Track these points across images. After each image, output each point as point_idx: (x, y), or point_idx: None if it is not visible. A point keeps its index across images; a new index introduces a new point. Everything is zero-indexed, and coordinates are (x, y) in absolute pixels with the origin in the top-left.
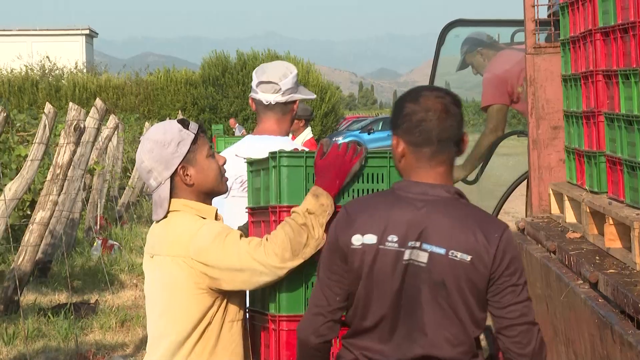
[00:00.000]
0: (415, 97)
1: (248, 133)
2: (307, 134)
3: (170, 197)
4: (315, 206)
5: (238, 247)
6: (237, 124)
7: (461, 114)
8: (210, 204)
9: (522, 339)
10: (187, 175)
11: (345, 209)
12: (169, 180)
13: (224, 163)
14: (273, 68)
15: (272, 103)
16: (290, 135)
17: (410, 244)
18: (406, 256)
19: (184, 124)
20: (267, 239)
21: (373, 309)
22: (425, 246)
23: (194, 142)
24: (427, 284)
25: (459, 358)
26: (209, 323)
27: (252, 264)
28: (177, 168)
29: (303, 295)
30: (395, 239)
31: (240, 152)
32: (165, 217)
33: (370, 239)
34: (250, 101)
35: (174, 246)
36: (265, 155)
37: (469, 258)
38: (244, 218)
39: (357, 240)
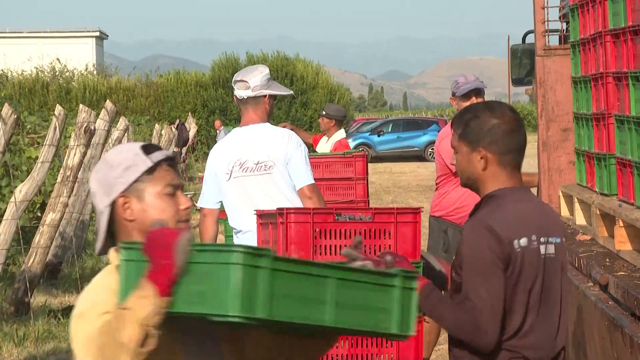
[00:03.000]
0: (494, 111)
1: None
2: (340, 134)
3: (111, 233)
4: (132, 299)
5: (83, 332)
6: (223, 127)
7: None
8: None
9: None
10: (128, 208)
11: (487, 224)
12: (109, 209)
13: (188, 208)
14: (246, 70)
15: (245, 97)
16: (325, 138)
17: (542, 239)
18: (542, 251)
19: (147, 149)
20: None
21: (528, 307)
22: (550, 239)
23: (149, 172)
24: (558, 272)
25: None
26: None
27: (76, 358)
28: (117, 197)
29: None
30: (535, 237)
31: (232, 142)
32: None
33: (524, 241)
34: (234, 99)
35: None
36: (253, 137)
37: (563, 239)
38: (247, 196)
39: (517, 244)
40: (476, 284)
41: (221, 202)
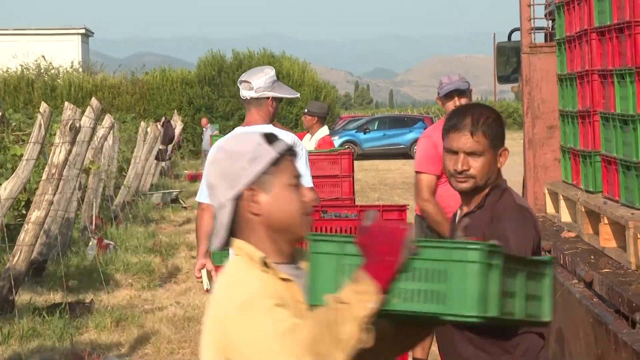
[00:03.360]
0: (495, 110)
1: (220, 134)
2: (323, 131)
3: (234, 228)
4: (350, 293)
5: (263, 324)
6: (209, 124)
7: None
8: (285, 248)
9: None
10: (255, 201)
11: (529, 210)
12: (232, 203)
13: (312, 200)
14: (252, 70)
15: (248, 98)
16: (308, 135)
17: None
18: None
19: (269, 138)
20: (294, 328)
21: None
22: None
23: (275, 163)
24: None
25: None
26: None
27: (268, 353)
28: (243, 190)
29: None
30: None
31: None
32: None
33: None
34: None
35: (212, 299)
36: None
37: None
38: None
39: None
40: None
41: None
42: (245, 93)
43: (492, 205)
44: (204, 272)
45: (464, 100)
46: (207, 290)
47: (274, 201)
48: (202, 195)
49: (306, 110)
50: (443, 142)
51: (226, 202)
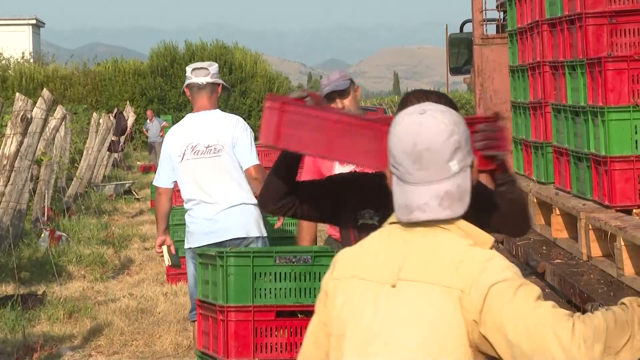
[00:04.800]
0: None
1: (171, 125)
2: None
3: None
4: None
5: (536, 307)
6: (155, 118)
7: None
8: None
9: None
10: (474, 172)
11: None
12: (469, 169)
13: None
14: (199, 63)
15: (204, 83)
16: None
17: None
18: None
19: None
20: (578, 316)
21: None
22: None
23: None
24: None
25: None
26: None
27: (547, 337)
28: (473, 159)
29: (251, 286)
30: None
31: (185, 127)
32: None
33: None
34: (185, 90)
35: (448, 274)
36: (205, 123)
37: None
38: (198, 176)
39: None
40: None
41: (175, 181)
42: (201, 79)
43: None
44: (164, 248)
45: (346, 101)
46: (169, 266)
47: (476, 174)
48: (159, 180)
49: None
50: None
51: (466, 167)
